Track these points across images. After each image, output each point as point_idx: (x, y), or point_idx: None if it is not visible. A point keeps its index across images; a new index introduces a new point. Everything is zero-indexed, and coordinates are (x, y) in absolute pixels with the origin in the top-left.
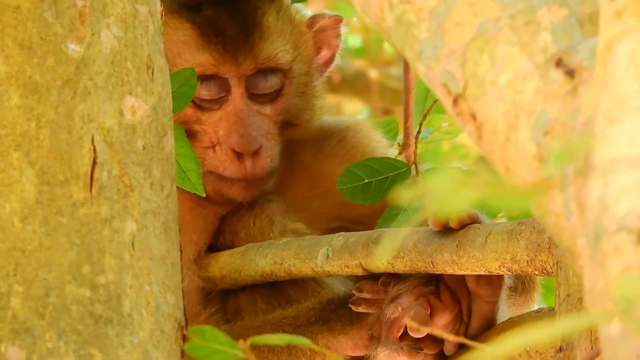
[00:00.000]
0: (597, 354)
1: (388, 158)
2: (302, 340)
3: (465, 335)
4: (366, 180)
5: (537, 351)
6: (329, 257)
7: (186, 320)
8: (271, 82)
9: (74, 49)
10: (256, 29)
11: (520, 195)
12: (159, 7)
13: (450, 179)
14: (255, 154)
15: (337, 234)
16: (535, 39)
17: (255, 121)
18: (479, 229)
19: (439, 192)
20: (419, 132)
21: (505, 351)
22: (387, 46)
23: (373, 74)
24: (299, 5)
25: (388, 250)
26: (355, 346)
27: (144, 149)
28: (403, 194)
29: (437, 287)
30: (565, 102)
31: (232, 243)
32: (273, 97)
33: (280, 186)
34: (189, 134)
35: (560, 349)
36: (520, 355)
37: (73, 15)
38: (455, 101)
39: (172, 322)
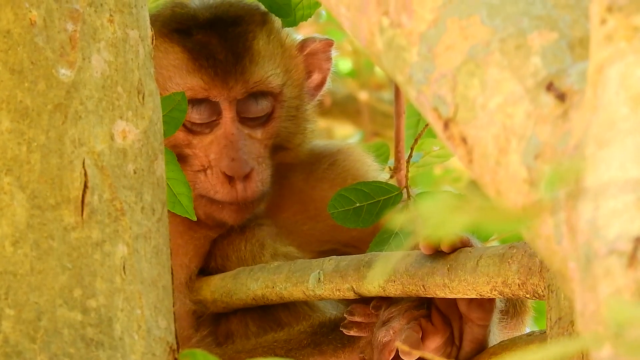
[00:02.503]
0: None
1: (379, 182)
2: None
3: (457, 359)
4: (357, 204)
5: None
6: (320, 281)
7: (178, 343)
8: (262, 106)
9: (65, 73)
10: (247, 53)
11: (512, 220)
12: (149, 32)
13: (442, 203)
14: (246, 177)
15: (328, 258)
16: (525, 62)
17: (246, 145)
18: (470, 252)
19: (431, 216)
20: (410, 156)
21: None
22: (378, 70)
23: (364, 97)
24: (289, 29)
25: (381, 274)
26: None
27: (135, 173)
28: (395, 219)
29: (428, 311)
30: (555, 125)
31: (223, 267)
32: (264, 120)
33: (272, 210)
34: (180, 157)
35: None
36: None
37: (64, 40)
38: (446, 125)
39: (164, 345)
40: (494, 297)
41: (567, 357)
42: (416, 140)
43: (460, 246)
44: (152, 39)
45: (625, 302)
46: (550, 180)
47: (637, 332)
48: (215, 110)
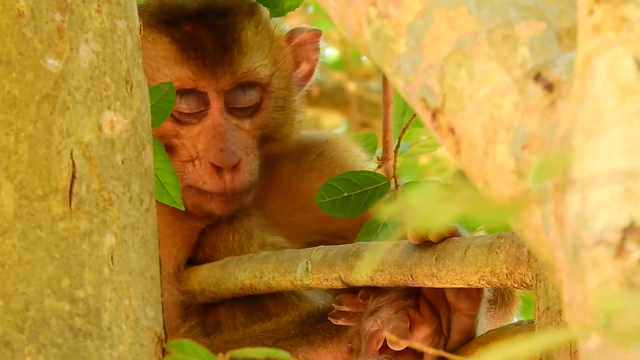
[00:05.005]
0: None
1: (367, 172)
2: (282, 354)
3: (445, 349)
4: (345, 194)
5: None
6: (308, 271)
7: (166, 334)
8: (250, 97)
9: (53, 64)
10: (235, 44)
11: (500, 211)
12: (137, 22)
13: (431, 194)
14: (234, 168)
15: (316, 248)
16: (513, 53)
17: (234, 135)
18: (458, 242)
19: (419, 207)
20: (398, 146)
21: None
22: (365, 60)
23: (352, 87)
24: (277, 20)
25: (369, 264)
26: (334, 359)
27: (122, 163)
28: (383, 210)
29: (416, 301)
30: (543, 116)
31: (211, 257)
32: (252, 111)
33: (260, 200)
34: (168, 148)
35: None
36: None
37: (52, 31)
38: (433, 115)
39: (152, 335)
40: (482, 286)
41: (555, 348)
42: (404, 130)
43: (449, 236)
44: (140, 30)
45: (613, 292)
46: (538, 170)
47: (626, 322)
48: (203, 100)
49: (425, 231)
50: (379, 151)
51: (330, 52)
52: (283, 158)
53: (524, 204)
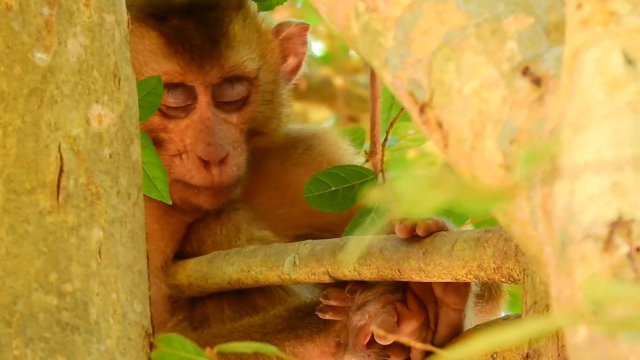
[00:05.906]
0: None
1: (355, 166)
2: (269, 348)
3: (432, 343)
4: (333, 188)
5: (504, 358)
6: (295, 265)
7: (153, 328)
8: (238, 91)
9: (41, 57)
10: (222, 38)
11: (487, 198)
12: (125, 16)
13: (418, 182)
14: (222, 162)
15: (304, 242)
16: (501, 47)
17: (221, 129)
18: (445, 236)
19: (406, 195)
20: (385, 140)
21: (472, 355)
22: (353, 53)
23: (339, 81)
24: (265, 14)
25: (354, 255)
26: (322, 353)
27: (110, 157)
28: (370, 197)
29: (404, 295)
30: (531, 110)
31: (199, 251)
32: (239, 105)
33: (247, 194)
34: (156, 142)
35: (527, 356)
36: None
37: (40, 24)
38: (421, 110)
39: (139, 329)
40: (469, 281)
41: (542, 342)
42: (391, 124)
43: (436, 230)
44: (128, 23)
45: (602, 282)
46: (526, 159)
47: (614, 311)
48: (190, 94)
49: (412, 224)
50: (367, 145)
51: (317, 46)
52: (271, 152)
53: (511, 193)
